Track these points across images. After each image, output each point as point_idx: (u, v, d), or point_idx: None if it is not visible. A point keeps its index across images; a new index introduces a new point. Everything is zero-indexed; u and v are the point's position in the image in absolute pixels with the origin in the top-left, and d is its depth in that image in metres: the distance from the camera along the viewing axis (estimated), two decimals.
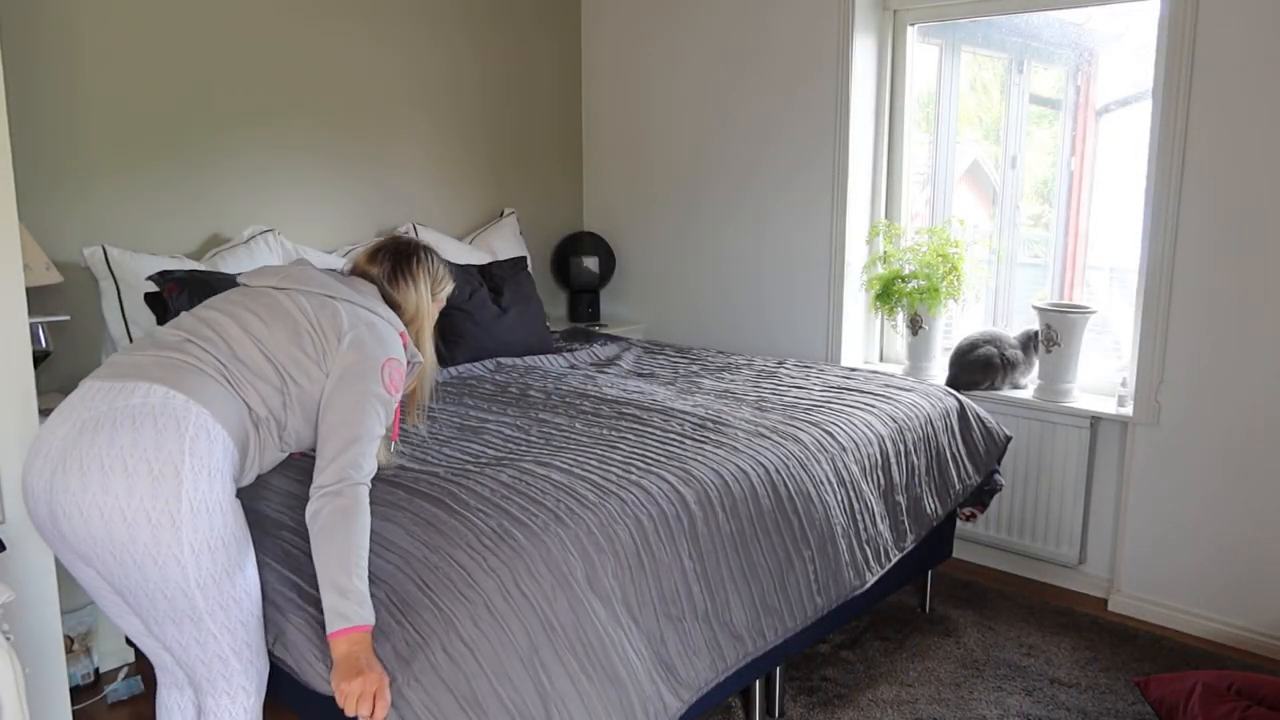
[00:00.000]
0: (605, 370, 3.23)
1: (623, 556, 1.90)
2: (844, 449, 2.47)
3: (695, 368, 3.22)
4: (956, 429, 2.88)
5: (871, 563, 2.44)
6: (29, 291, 2.16)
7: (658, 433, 2.40)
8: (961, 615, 3.04)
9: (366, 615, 1.60)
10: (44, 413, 2.48)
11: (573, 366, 3.31)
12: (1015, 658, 2.77)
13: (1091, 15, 3.34)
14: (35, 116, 2.77)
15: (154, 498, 1.46)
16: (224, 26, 3.15)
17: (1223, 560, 2.90)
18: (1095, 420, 3.12)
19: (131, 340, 2.82)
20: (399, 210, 3.74)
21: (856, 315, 3.71)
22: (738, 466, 2.20)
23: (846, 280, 3.62)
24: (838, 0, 3.46)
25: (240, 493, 1.97)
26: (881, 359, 3.82)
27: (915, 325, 3.46)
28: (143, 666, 2.72)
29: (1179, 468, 2.95)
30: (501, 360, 3.31)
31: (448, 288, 2.04)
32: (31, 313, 2.12)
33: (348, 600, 1.58)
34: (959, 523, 3.31)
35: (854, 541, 2.40)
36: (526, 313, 3.52)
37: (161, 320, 2.78)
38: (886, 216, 3.68)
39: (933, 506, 2.73)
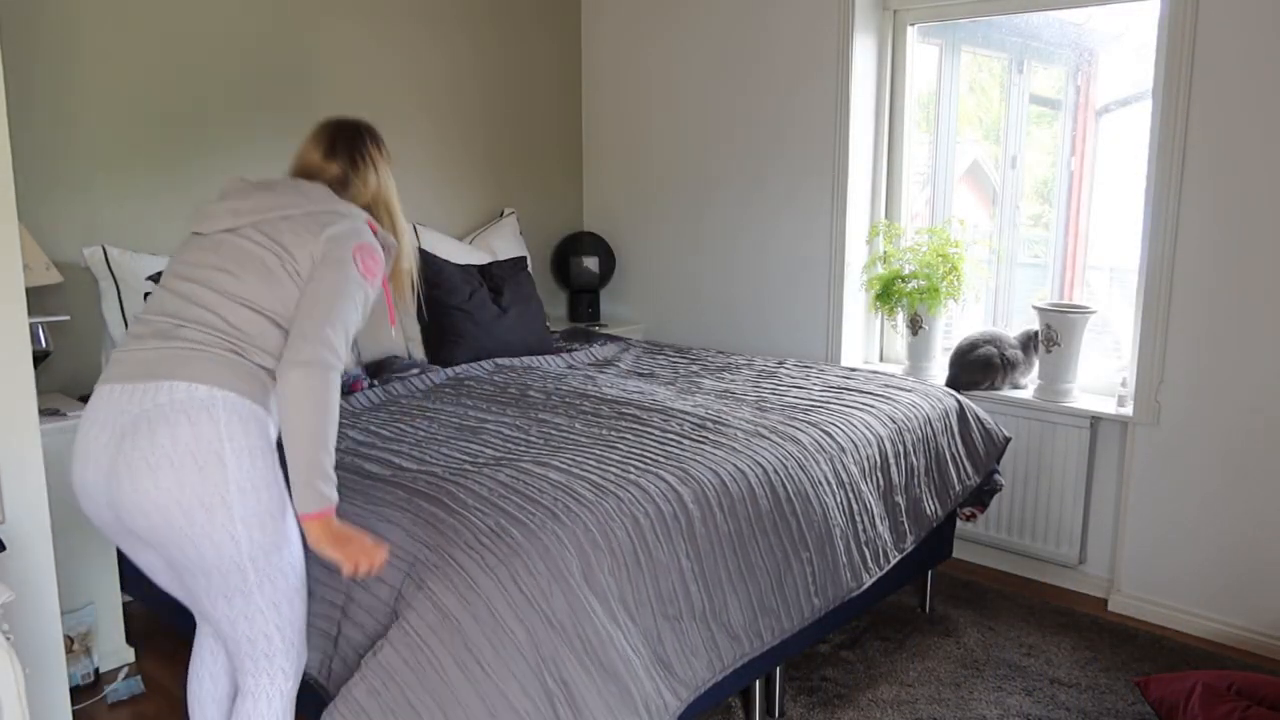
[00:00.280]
0: (605, 370, 3.23)
1: (619, 555, 1.90)
2: (843, 450, 2.47)
3: (695, 368, 3.22)
4: (956, 429, 2.88)
5: (870, 564, 2.44)
6: (29, 291, 2.16)
7: (656, 433, 2.40)
8: (961, 615, 3.04)
9: (335, 495, 1.67)
10: (44, 413, 2.49)
11: (571, 367, 3.31)
12: (1015, 658, 2.77)
13: (1091, 15, 3.34)
14: (35, 116, 2.77)
15: (204, 484, 1.57)
16: (224, 27, 3.15)
17: (1223, 560, 2.90)
18: (1095, 420, 3.12)
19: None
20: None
21: (856, 315, 3.71)
22: (736, 467, 2.20)
23: (846, 280, 3.62)
24: (838, 0, 3.46)
25: None
26: (881, 359, 3.82)
27: (915, 325, 3.46)
28: (143, 667, 2.73)
29: (1179, 468, 2.95)
30: (501, 360, 3.31)
31: (389, 156, 2.05)
32: (31, 313, 2.13)
33: (328, 482, 1.65)
34: (959, 523, 3.31)
35: (852, 543, 2.40)
36: (526, 313, 3.52)
37: None
38: (886, 216, 3.68)
39: (932, 507, 2.72)
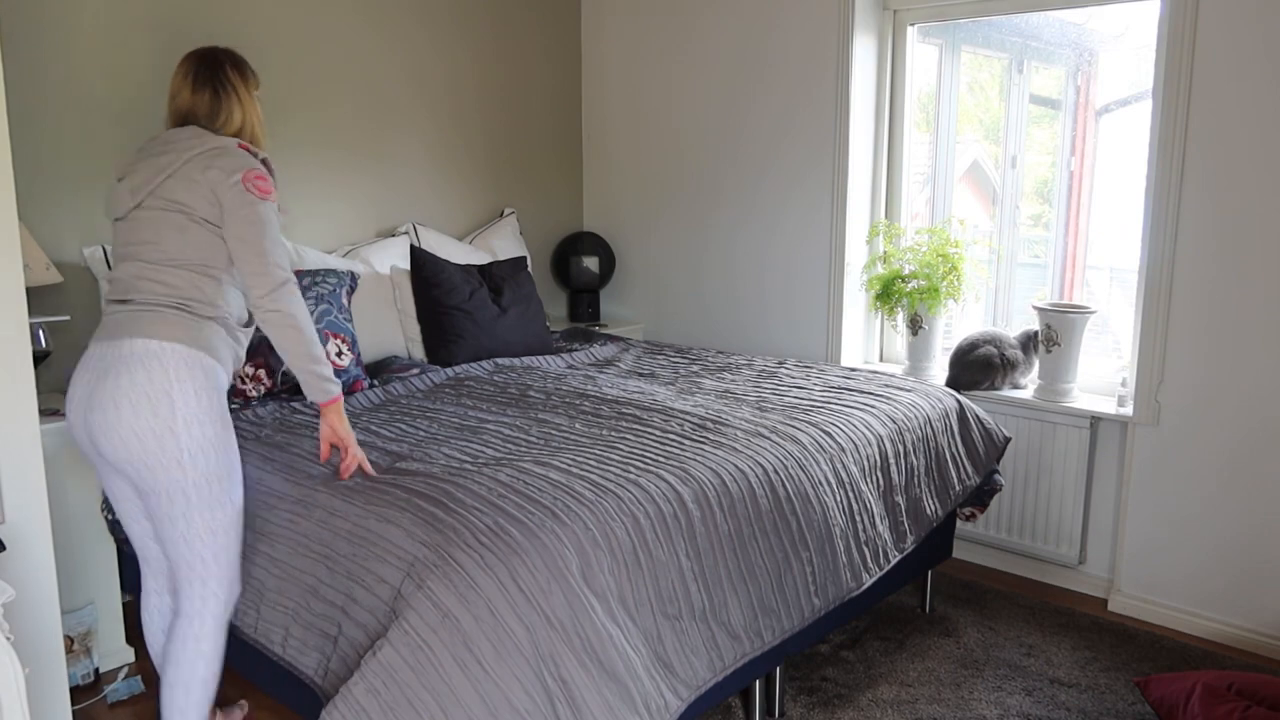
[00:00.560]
0: (605, 370, 3.23)
1: (619, 554, 1.90)
2: (843, 450, 2.47)
3: (695, 368, 3.22)
4: (956, 429, 2.88)
5: (870, 564, 2.44)
6: (29, 291, 2.16)
7: (657, 433, 2.40)
8: (961, 615, 3.04)
9: (338, 385, 2.10)
10: (44, 413, 2.49)
11: (571, 367, 3.31)
12: (1015, 658, 2.77)
13: (1091, 15, 3.34)
14: (36, 116, 2.77)
15: (155, 418, 1.90)
16: (224, 27, 3.15)
17: (1222, 560, 2.90)
18: (1095, 420, 3.12)
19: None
20: (399, 210, 3.74)
21: (856, 315, 3.71)
22: (736, 466, 2.20)
23: (846, 280, 3.62)
24: (838, 0, 3.46)
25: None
26: (881, 359, 3.82)
27: (915, 325, 3.46)
28: (143, 667, 2.73)
29: (1179, 468, 2.95)
30: (501, 360, 3.31)
31: (257, 85, 2.19)
32: (31, 313, 2.12)
33: (327, 377, 2.07)
34: (959, 523, 3.31)
35: (852, 543, 2.40)
36: (526, 313, 3.52)
37: None
38: (886, 216, 3.68)
39: (932, 507, 2.72)
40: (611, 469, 2.12)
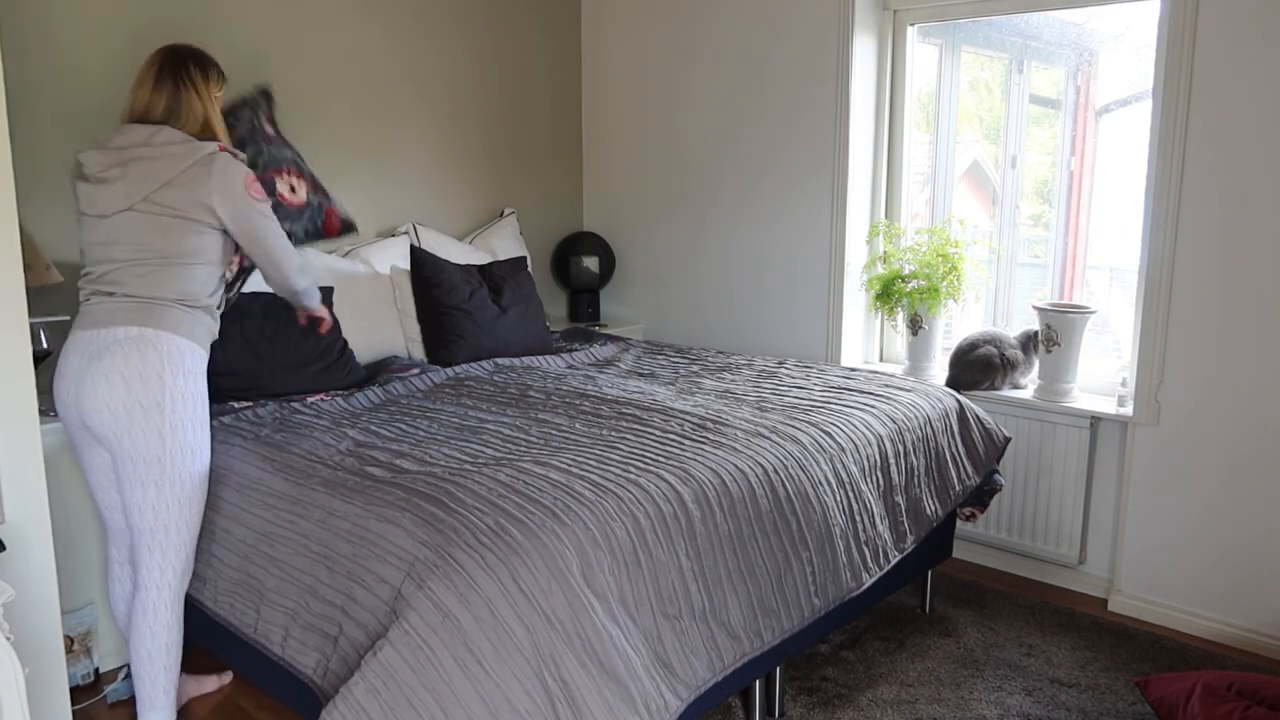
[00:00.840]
0: (605, 370, 3.23)
1: (619, 554, 1.90)
2: (843, 450, 2.46)
3: (695, 368, 3.22)
4: (956, 429, 2.88)
5: (870, 564, 2.44)
6: (29, 291, 2.16)
7: (657, 433, 2.40)
8: (961, 615, 3.04)
9: (318, 300, 2.53)
10: (44, 413, 2.48)
11: (571, 367, 3.31)
12: (1015, 658, 2.77)
13: (1091, 15, 3.34)
14: (36, 116, 2.77)
15: (145, 393, 2.10)
16: (224, 28, 3.15)
17: (1223, 560, 2.90)
18: (1095, 420, 3.12)
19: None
20: (399, 210, 3.74)
21: (856, 315, 3.71)
22: (736, 466, 2.20)
23: (846, 280, 3.62)
24: (838, 0, 3.46)
25: (242, 500, 2.28)
26: (881, 359, 3.82)
27: (915, 325, 3.46)
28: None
29: (1179, 468, 2.95)
30: (501, 360, 3.31)
31: (221, 85, 2.34)
32: (31, 313, 2.12)
33: (316, 305, 2.53)
34: (959, 523, 3.31)
35: (852, 542, 2.40)
36: (526, 313, 3.52)
37: None
38: (886, 216, 3.68)
39: (932, 507, 2.72)
40: (611, 469, 2.12)
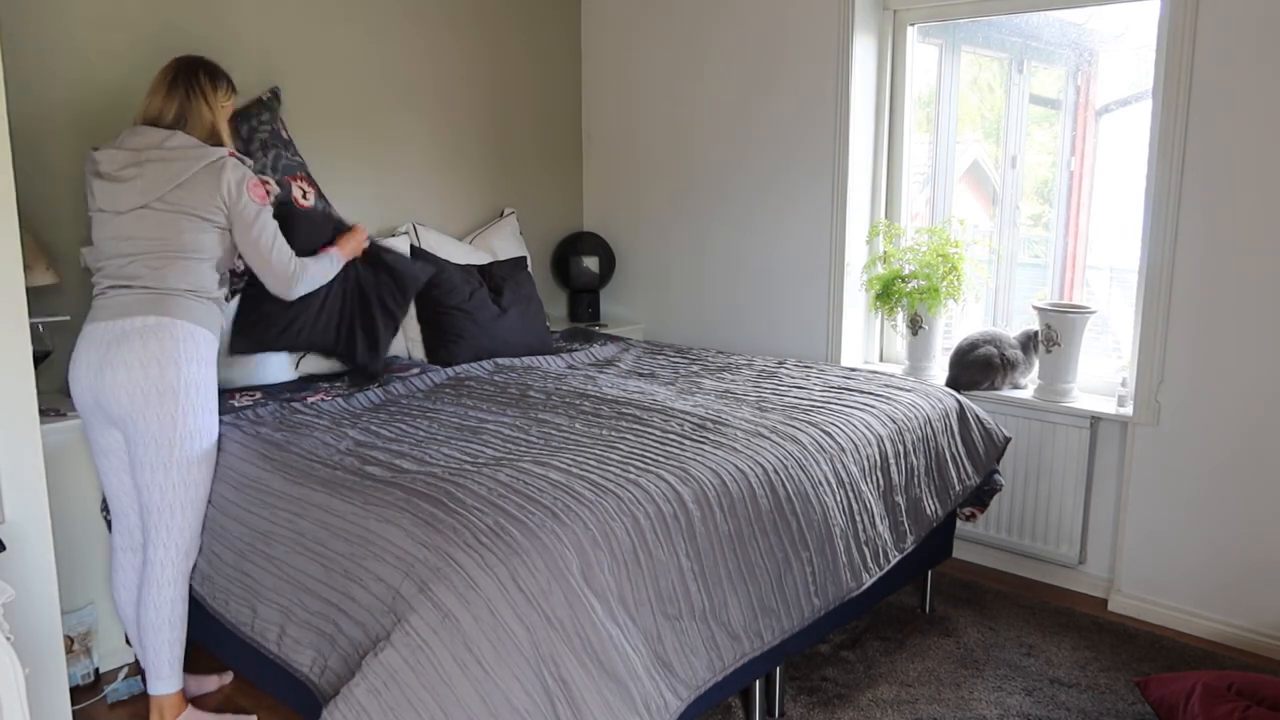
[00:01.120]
0: (605, 370, 3.23)
1: (619, 554, 1.90)
2: (843, 450, 2.46)
3: (695, 368, 3.22)
4: (956, 429, 2.88)
5: (870, 564, 2.44)
6: (29, 291, 2.17)
7: (657, 433, 2.40)
8: (961, 615, 3.04)
9: (336, 260, 2.71)
10: (44, 413, 2.48)
11: (572, 367, 3.31)
12: (1015, 658, 2.77)
13: (1091, 15, 3.34)
14: (36, 116, 2.77)
15: (161, 378, 2.22)
16: (224, 30, 3.15)
17: (1222, 560, 2.90)
18: (1095, 420, 3.12)
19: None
20: (399, 210, 3.74)
21: (856, 315, 3.71)
22: (736, 466, 2.20)
23: (846, 280, 3.62)
24: (838, 1, 3.46)
25: (241, 499, 2.30)
26: (881, 359, 3.82)
27: (915, 325, 3.46)
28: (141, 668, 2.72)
29: (1179, 468, 2.95)
30: (501, 360, 3.31)
31: (230, 95, 2.49)
32: (31, 313, 2.13)
33: (335, 270, 2.69)
34: (959, 523, 3.31)
35: (852, 542, 2.40)
36: (526, 313, 3.52)
37: None
38: (886, 216, 3.68)
39: (932, 507, 2.72)
40: (611, 469, 2.12)
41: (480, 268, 3.56)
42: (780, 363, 3.28)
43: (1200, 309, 2.85)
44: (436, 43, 3.77)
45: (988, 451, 2.94)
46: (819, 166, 3.61)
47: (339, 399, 2.80)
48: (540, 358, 3.38)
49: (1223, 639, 2.91)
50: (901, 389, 2.89)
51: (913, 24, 3.54)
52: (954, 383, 3.31)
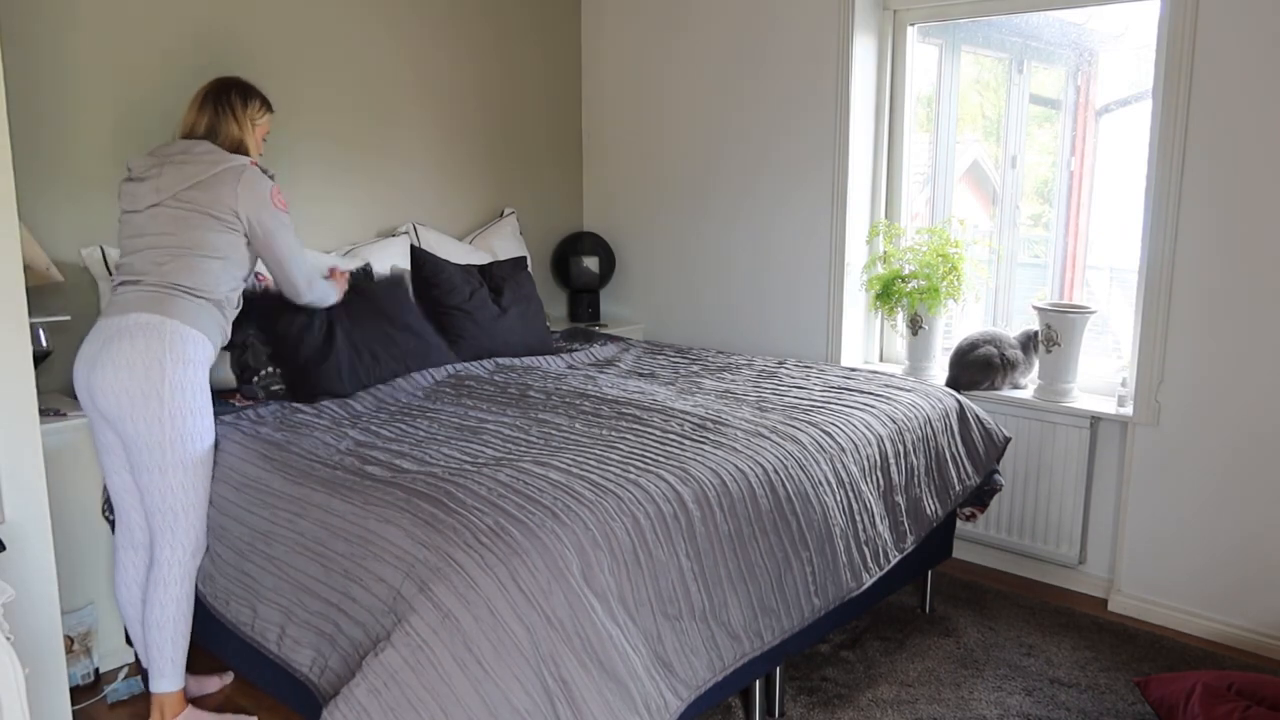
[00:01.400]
0: (605, 370, 3.23)
1: (619, 554, 1.90)
2: (843, 450, 2.46)
3: (696, 368, 3.22)
4: (956, 429, 2.88)
5: (870, 564, 2.44)
6: (30, 291, 2.17)
7: (657, 433, 2.40)
8: (961, 615, 3.04)
9: (334, 290, 2.80)
10: (44, 413, 2.49)
11: (572, 367, 3.31)
12: (1015, 658, 2.77)
13: (1091, 15, 3.34)
14: (35, 116, 2.77)
15: (147, 381, 2.21)
16: (223, 27, 3.15)
17: (1223, 560, 2.90)
18: (1095, 420, 3.12)
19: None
20: (399, 210, 3.74)
21: (856, 315, 3.71)
22: (736, 466, 2.20)
23: (846, 280, 3.62)
24: (838, 0, 3.46)
25: (241, 499, 2.27)
26: (881, 359, 3.82)
27: (915, 325, 3.46)
28: (143, 667, 2.73)
29: (1179, 468, 2.95)
30: (501, 360, 3.31)
31: (264, 114, 2.58)
32: (32, 313, 2.13)
33: (337, 297, 2.81)
34: (959, 523, 3.31)
35: (852, 542, 2.40)
36: (526, 313, 3.52)
37: None
38: (886, 216, 3.68)
39: (932, 507, 2.72)
40: (611, 469, 2.12)
41: (480, 268, 3.56)
42: (780, 363, 3.28)
43: (1200, 309, 2.85)
44: (437, 43, 3.77)
45: (988, 451, 2.94)
46: (819, 166, 3.61)
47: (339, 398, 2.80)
48: (540, 358, 3.38)
49: (1223, 639, 2.91)
50: (901, 389, 2.89)
51: (913, 24, 3.54)
52: (954, 383, 3.31)
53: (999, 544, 3.36)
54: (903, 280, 3.43)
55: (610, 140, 4.29)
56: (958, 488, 2.82)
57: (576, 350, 3.52)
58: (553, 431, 2.43)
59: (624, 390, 2.85)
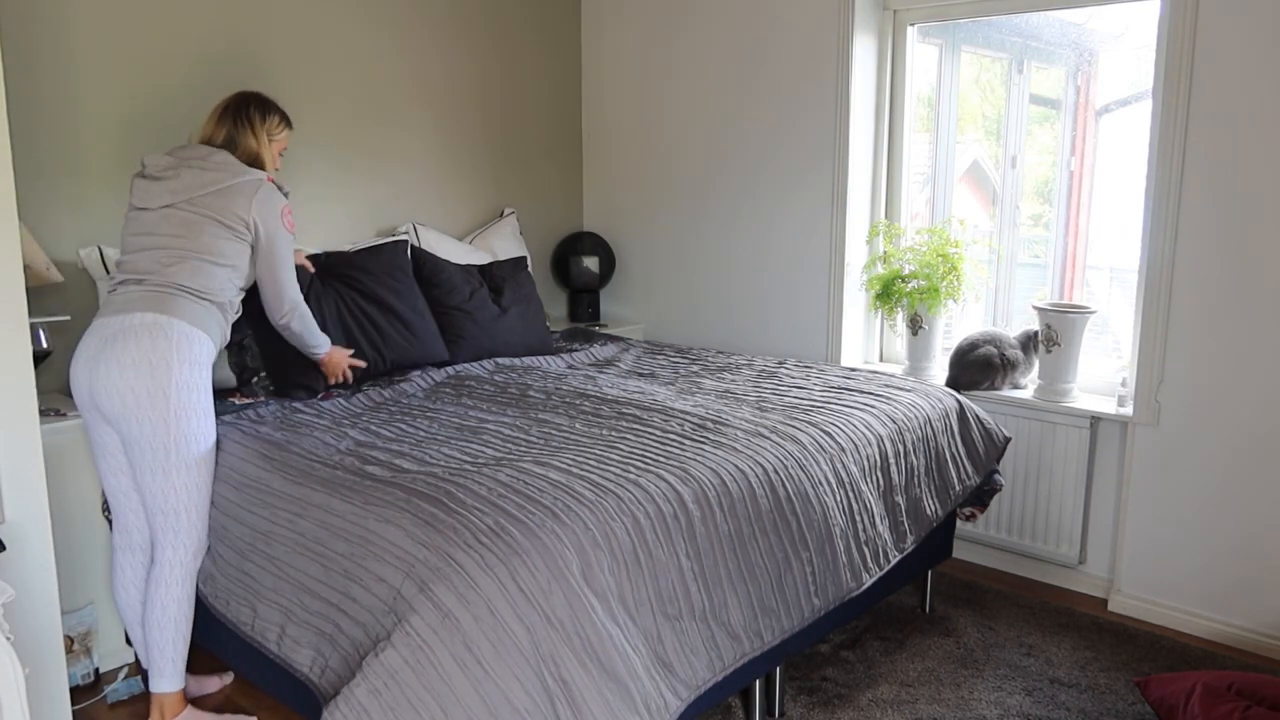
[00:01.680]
0: (605, 370, 3.23)
1: (619, 554, 1.90)
2: (843, 450, 2.46)
3: (696, 368, 3.22)
4: (956, 429, 2.88)
5: (870, 564, 2.44)
6: (29, 291, 2.17)
7: (657, 433, 2.40)
8: (961, 615, 3.04)
9: (326, 343, 2.74)
10: (44, 413, 2.49)
11: (572, 367, 3.31)
12: (1015, 658, 2.77)
13: (1091, 15, 3.34)
14: (35, 117, 2.77)
15: (153, 380, 2.21)
16: (223, 28, 3.15)
17: (1223, 560, 2.90)
18: (1095, 420, 3.12)
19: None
20: (399, 210, 3.74)
21: (856, 315, 3.71)
22: (736, 466, 2.20)
23: (846, 280, 3.62)
24: (838, 0, 3.46)
25: (241, 499, 2.28)
26: (881, 359, 3.82)
27: (915, 325, 3.46)
28: (143, 667, 2.72)
29: (1179, 468, 2.95)
30: (501, 360, 3.31)
31: (283, 129, 2.61)
32: (32, 313, 2.13)
33: (319, 345, 2.71)
34: (959, 523, 3.31)
35: (852, 542, 2.40)
36: (526, 313, 3.52)
37: None
38: (886, 216, 3.68)
39: (932, 507, 2.72)
40: (611, 469, 2.12)
41: (480, 268, 3.56)
42: (780, 363, 3.28)
43: (1200, 309, 2.85)
44: (436, 43, 3.77)
45: (988, 451, 2.94)
46: (819, 166, 3.61)
47: (339, 399, 2.80)
48: (540, 358, 3.38)
49: (1223, 639, 2.91)
50: (901, 389, 2.89)
51: (913, 24, 3.54)
52: (954, 383, 3.31)
53: (999, 544, 3.36)
54: (903, 280, 3.43)
55: (610, 140, 4.29)
56: (958, 488, 2.82)
57: (576, 350, 3.52)
58: (553, 431, 2.43)
59: (624, 390, 2.85)
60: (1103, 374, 3.26)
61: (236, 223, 2.38)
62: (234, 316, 2.46)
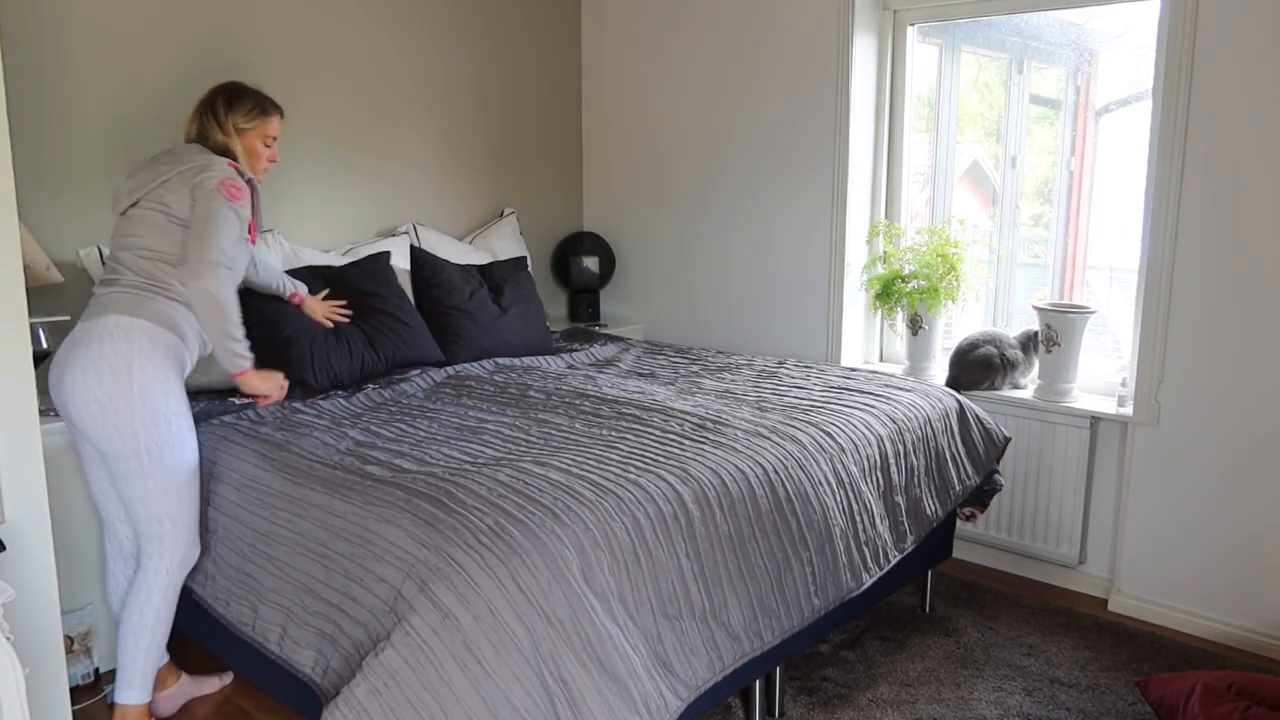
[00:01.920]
0: (605, 370, 3.23)
1: (619, 554, 1.90)
2: (843, 450, 2.46)
3: (695, 368, 3.22)
4: (956, 429, 2.88)
5: (870, 564, 2.44)
6: (29, 292, 2.16)
7: (657, 433, 2.40)
8: (961, 615, 3.04)
9: (249, 357, 2.32)
10: (44, 413, 2.48)
11: (572, 367, 3.31)
12: (1015, 658, 2.77)
13: (1091, 15, 3.34)
14: (36, 117, 2.77)
15: (115, 386, 2.12)
16: (222, 28, 3.15)
17: (1223, 560, 2.90)
18: (1095, 420, 3.12)
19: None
20: (399, 210, 3.74)
21: (856, 315, 3.71)
22: (736, 467, 2.20)
23: (846, 280, 3.62)
24: (838, 0, 3.46)
25: (241, 499, 2.15)
26: (881, 359, 3.82)
27: (915, 325, 3.46)
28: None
29: (1179, 468, 2.95)
30: (501, 360, 3.31)
31: (256, 117, 2.48)
32: (32, 313, 2.12)
33: (240, 352, 2.30)
34: (959, 523, 3.31)
35: (852, 543, 2.40)
36: (526, 313, 3.52)
37: None
38: (886, 216, 3.68)
39: (932, 507, 2.72)
40: (611, 469, 2.12)
41: (480, 268, 3.56)
42: (780, 363, 3.28)
43: (1200, 309, 2.85)
44: (437, 43, 3.77)
45: (988, 451, 2.94)
46: (819, 166, 3.61)
47: (339, 399, 2.80)
48: (540, 358, 3.38)
49: (1223, 639, 2.91)
50: (901, 389, 2.89)
51: (913, 24, 3.54)
52: (954, 383, 3.31)
53: (999, 544, 3.36)
54: (903, 280, 3.43)
55: (610, 140, 4.29)
56: (958, 488, 2.82)
57: (576, 350, 3.52)
58: (553, 431, 2.43)
59: (624, 390, 2.85)
60: (1103, 374, 3.26)
61: (183, 211, 2.27)
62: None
